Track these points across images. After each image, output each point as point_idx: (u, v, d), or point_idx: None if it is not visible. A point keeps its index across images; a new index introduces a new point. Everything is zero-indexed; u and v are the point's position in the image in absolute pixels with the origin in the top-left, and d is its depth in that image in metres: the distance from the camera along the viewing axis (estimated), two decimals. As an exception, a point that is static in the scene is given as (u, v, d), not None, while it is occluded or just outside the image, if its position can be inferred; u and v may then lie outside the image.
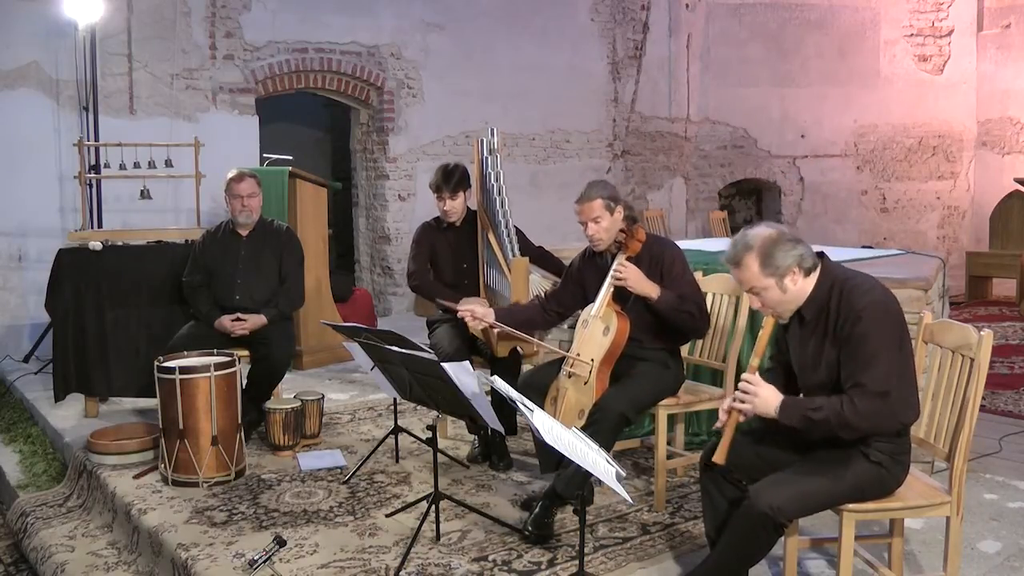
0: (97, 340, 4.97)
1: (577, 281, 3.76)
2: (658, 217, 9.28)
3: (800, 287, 2.61)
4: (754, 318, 3.95)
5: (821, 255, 2.67)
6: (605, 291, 3.54)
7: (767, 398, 2.59)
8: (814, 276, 2.63)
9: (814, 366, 2.67)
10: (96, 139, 6.41)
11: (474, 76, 8.62)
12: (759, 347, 2.71)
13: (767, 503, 2.51)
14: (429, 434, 3.42)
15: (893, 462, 2.62)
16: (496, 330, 3.74)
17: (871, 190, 10.71)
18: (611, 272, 3.51)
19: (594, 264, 3.70)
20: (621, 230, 3.54)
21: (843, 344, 2.56)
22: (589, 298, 3.65)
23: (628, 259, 3.51)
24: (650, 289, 3.44)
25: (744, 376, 2.66)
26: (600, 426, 3.30)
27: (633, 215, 3.65)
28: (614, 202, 3.55)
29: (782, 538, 2.79)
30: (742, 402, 2.62)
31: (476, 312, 3.65)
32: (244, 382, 4.39)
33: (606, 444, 3.24)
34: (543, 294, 3.94)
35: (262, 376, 4.60)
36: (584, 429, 3.20)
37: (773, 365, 2.90)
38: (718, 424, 2.71)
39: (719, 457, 2.67)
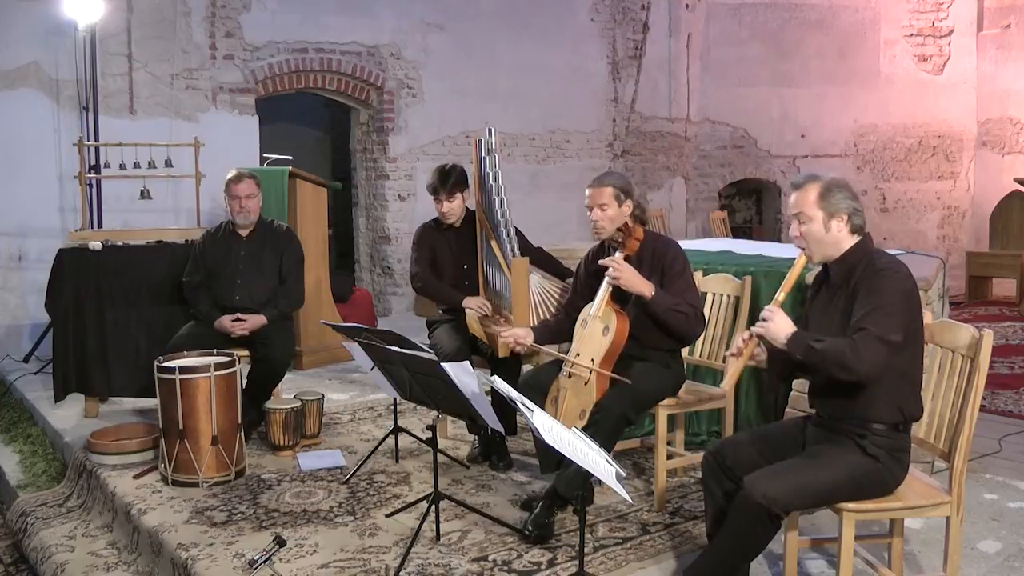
0: (97, 340, 4.97)
1: (586, 283, 3.76)
2: (658, 217, 9.28)
3: (841, 237, 2.70)
4: (754, 318, 3.95)
5: (867, 233, 2.76)
6: (603, 291, 3.53)
7: (782, 325, 2.66)
8: (855, 238, 2.71)
9: (829, 326, 2.71)
10: (96, 139, 6.41)
11: (474, 76, 8.62)
12: (786, 283, 2.80)
13: (761, 493, 2.52)
14: (429, 434, 3.42)
15: (890, 458, 2.62)
16: (536, 350, 3.73)
17: (871, 190, 10.71)
18: (606, 272, 3.51)
19: (597, 264, 3.70)
20: (619, 229, 3.54)
21: (858, 298, 2.62)
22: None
23: (626, 258, 3.52)
24: (644, 288, 3.44)
25: (767, 307, 2.74)
26: (601, 426, 3.30)
27: (643, 217, 3.66)
28: (625, 195, 3.58)
29: (782, 537, 2.79)
30: (760, 328, 2.69)
31: (518, 336, 3.65)
32: (244, 382, 4.39)
33: (607, 444, 3.24)
34: (560, 305, 3.97)
35: (262, 376, 4.59)
36: (585, 429, 3.20)
37: None
38: (732, 351, 2.79)
39: (727, 385, 2.82)
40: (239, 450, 4.07)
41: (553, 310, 4.34)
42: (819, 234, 2.70)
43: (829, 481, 2.58)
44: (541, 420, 2.63)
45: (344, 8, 7.94)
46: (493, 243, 4.21)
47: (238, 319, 4.59)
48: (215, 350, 4.28)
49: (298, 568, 3.13)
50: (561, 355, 3.59)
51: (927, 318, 2.90)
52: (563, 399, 3.49)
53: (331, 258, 7.20)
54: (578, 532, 2.83)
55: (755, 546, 2.66)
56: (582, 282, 3.80)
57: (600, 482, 2.68)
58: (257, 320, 4.61)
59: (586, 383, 3.45)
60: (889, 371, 2.58)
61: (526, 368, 4.31)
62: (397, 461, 4.24)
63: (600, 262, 3.55)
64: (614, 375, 3.42)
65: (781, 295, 2.77)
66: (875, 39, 10.55)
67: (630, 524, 3.51)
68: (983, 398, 2.69)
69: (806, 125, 10.58)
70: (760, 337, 2.72)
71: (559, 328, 3.79)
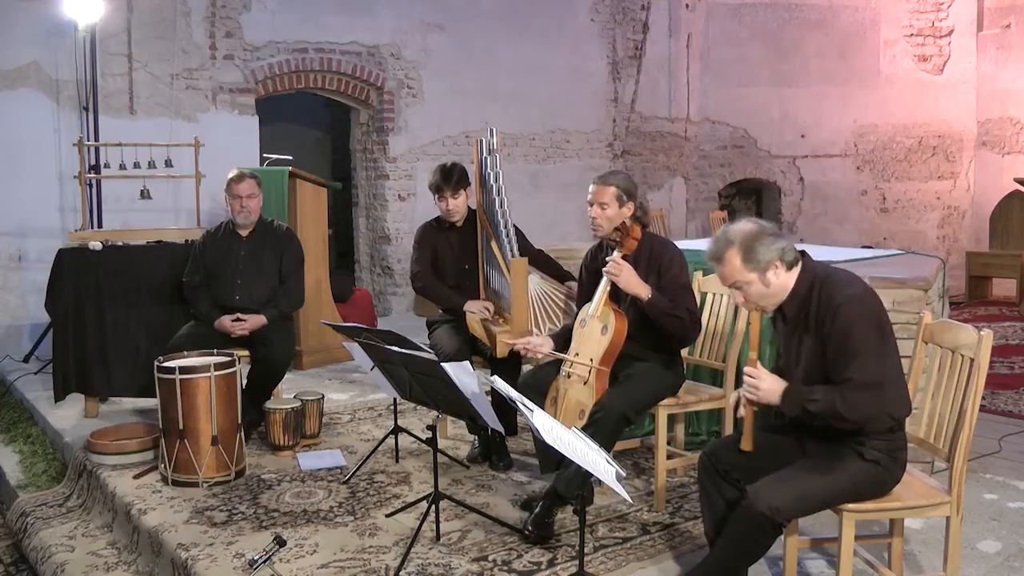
0: (97, 340, 4.97)
1: (586, 283, 3.76)
2: (658, 217, 9.26)
3: (783, 281, 2.65)
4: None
5: (803, 253, 2.70)
6: (601, 290, 3.53)
7: (771, 388, 2.63)
8: (796, 271, 2.66)
9: (796, 362, 2.70)
10: (96, 139, 6.41)
11: (474, 76, 8.62)
12: (753, 340, 2.75)
13: (766, 503, 2.51)
14: (429, 434, 3.42)
15: (890, 459, 2.62)
16: (551, 358, 3.73)
17: (871, 190, 10.71)
18: (604, 270, 3.51)
19: (597, 263, 3.70)
20: (617, 228, 3.54)
21: (826, 341, 2.59)
22: None
23: (624, 257, 3.51)
24: (641, 289, 3.44)
25: (746, 370, 2.69)
26: (601, 426, 3.30)
27: (645, 219, 3.65)
28: (627, 196, 3.56)
29: (782, 538, 2.79)
30: (751, 394, 2.66)
31: (533, 343, 3.66)
32: (244, 382, 4.39)
33: (607, 444, 3.24)
34: (564, 307, 3.97)
35: (262, 376, 4.59)
36: (585, 429, 3.20)
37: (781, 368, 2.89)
38: (740, 414, 2.76)
39: (746, 444, 2.73)
40: (239, 450, 4.07)
41: (552, 311, 4.34)
42: (761, 291, 2.65)
43: (832, 488, 2.58)
44: (541, 420, 2.63)
45: (344, 8, 7.94)
46: (493, 243, 4.21)
47: (238, 319, 4.59)
48: (215, 350, 4.28)
49: (298, 568, 3.13)
50: (561, 355, 3.59)
51: (927, 318, 2.90)
52: (562, 399, 3.49)
53: (331, 258, 7.20)
54: (578, 532, 2.83)
55: (756, 553, 2.67)
56: (583, 283, 3.80)
57: (600, 482, 2.67)
58: (257, 320, 4.61)
59: (585, 383, 3.45)
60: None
61: (526, 368, 4.31)
62: (397, 461, 4.24)
63: (604, 267, 3.54)
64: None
65: (753, 353, 2.74)
66: (875, 39, 10.55)
67: (630, 524, 3.51)
68: (983, 398, 2.69)
69: (806, 125, 10.58)
70: (750, 401, 2.69)
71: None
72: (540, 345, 3.65)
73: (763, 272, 2.62)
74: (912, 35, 10.59)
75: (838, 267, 2.75)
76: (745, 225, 2.67)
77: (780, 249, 2.62)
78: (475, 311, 4.25)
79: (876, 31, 10.54)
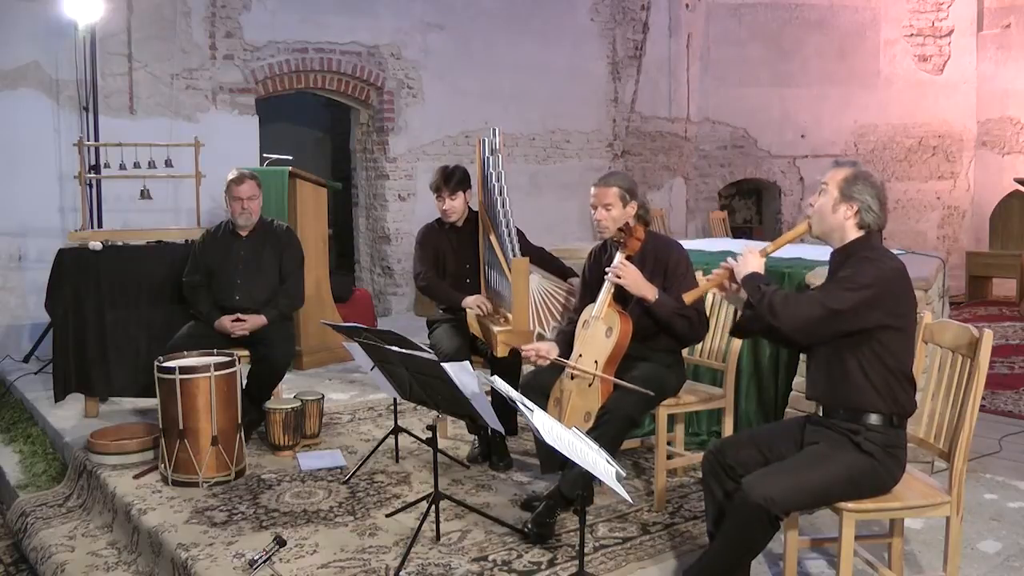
0: (97, 340, 4.97)
1: (590, 284, 3.76)
2: (658, 217, 9.27)
3: (845, 225, 2.73)
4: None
5: (872, 235, 2.77)
6: (605, 292, 3.53)
7: (749, 262, 2.82)
8: (860, 233, 2.73)
9: None
10: (96, 139, 6.41)
11: (474, 76, 8.63)
12: (779, 240, 2.95)
13: (761, 494, 2.52)
14: (429, 434, 3.42)
15: (885, 454, 2.62)
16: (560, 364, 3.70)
17: (871, 190, 10.70)
18: (609, 271, 3.50)
19: (600, 264, 3.70)
20: (620, 229, 3.54)
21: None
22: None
23: (628, 257, 3.51)
24: (647, 291, 3.44)
25: (746, 245, 2.88)
26: (608, 428, 3.30)
27: (647, 217, 3.66)
28: (630, 196, 3.59)
29: (782, 537, 2.80)
30: (730, 263, 2.87)
31: (541, 350, 3.63)
32: (244, 382, 4.39)
33: (613, 446, 3.23)
34: (568, 308, 3.96)
35: (262, 376, 4.59)
36: (591, 431, 3.20)
37: None
38: (708, 277, 3.01)
39: (688, 298, 3.09)
40: (239, 450, 4.07)
41: (554, 310, 4.34)
42: (825, 209, 2.74)
43: (826, 480, 2.58)
44: (541, 420, 2.63)
45: (344, 8, 7.94)
46: (494, 243, 4.21)
47: (238, 319, 4.59)
48: (215, 350, 4.28)
49: (298, 568, 3.13)
50: (567, 362, 3.56)
51: (927, 318, 2.90)
52: (567, 400, 3.48)
53: (331, 258, 7.20)
54: (578, 532, 2.83)
55: (754, 547, 2.67)
56: (587, 285, 3.79)
57: (600, 482, 2.67)
58: (257, 320, 4.61)
59: (590, 384, 3.44)
60: (876, 359, 2.61)
61: (526, 368, 4.30)
62: (397, 461, 4.24)
63: (607, 270, 3.54)
64: (623, 383, 3.35)
65: (770, 247, 2.90)
66: (875, 39, 10.55)
67: (630, 524, 3.51)
68: (983, 398, 2.69)
69: (806, 125, 10.59)
70: (731, 272, 2.86)
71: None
72: (547, 351, 3.62)
73: (841, 199, 2.70)
74: (912, 35, 10.59)
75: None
76: (860, 168, 2.77)
77: (867, 205, 2.69)
78: (471, 306, 4.25)
79: (876, 31, 10.54)
